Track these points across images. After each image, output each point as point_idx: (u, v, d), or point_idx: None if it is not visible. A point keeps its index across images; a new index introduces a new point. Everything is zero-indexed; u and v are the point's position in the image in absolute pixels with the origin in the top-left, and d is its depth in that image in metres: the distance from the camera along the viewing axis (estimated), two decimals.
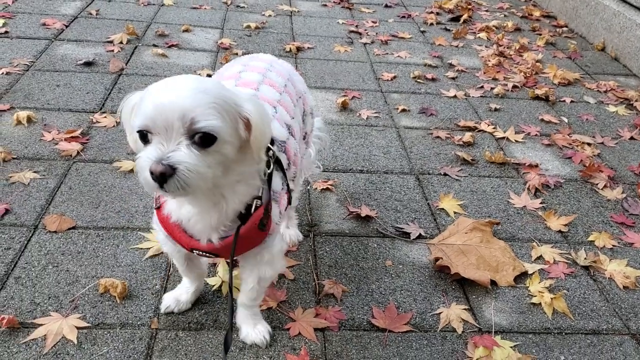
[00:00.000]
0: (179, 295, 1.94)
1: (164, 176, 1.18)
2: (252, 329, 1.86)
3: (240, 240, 1.47)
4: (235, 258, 1.54)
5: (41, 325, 1.82)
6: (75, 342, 1.78)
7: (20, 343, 1.76)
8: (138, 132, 1.24)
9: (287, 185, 1.67)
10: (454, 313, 2.05)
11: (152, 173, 1.18)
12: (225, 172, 1.31)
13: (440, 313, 2.04)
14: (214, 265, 2.14)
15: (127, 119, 1.34)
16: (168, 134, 1.20)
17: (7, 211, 2.29)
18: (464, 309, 2.06)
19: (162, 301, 1.94)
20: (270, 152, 1.47)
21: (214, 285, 2.06)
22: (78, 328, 1.83)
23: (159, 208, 1.52)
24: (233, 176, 1.37)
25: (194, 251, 1.54)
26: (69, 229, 2.24)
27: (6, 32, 3.94)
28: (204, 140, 1.21)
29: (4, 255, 2.08)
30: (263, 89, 1.74)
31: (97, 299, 1.95)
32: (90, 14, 4.46)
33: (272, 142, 1.50)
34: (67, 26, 4.17)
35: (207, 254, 1.55)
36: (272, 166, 1.49)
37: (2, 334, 1.78)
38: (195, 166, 1.20)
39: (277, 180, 1.58)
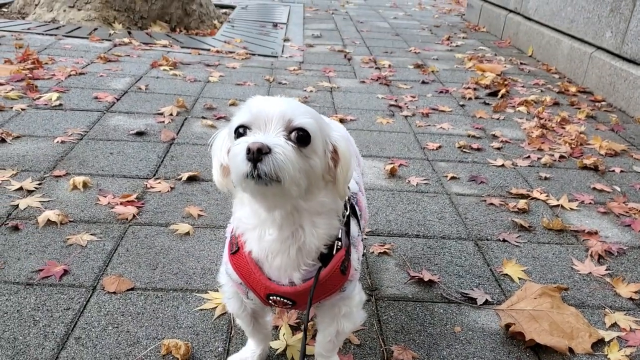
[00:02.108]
0: (245, 358, 1.85)
1: (260, 153, 1.17)
2: None
3: (321, 283, 1.43)
4: (310, 310, 1.48)
5: None
6: None
7: None
8: (235, 130, 1.28)
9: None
10: None
11: (248, 151, 1.18)
12: (308, 191, 1.30)
13: None
14: (277, 328, 2.06)
15: (216, 150, 1.39)
16: (267, 128, 1.24)
17: (65, 272, 2.27)
18: None
19: None
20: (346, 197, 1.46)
21: (277, 349, 1.98)
22: None
23: (235, 252, 1.48)
24: (313, 203, 1.35)
25: (271, 297, 1.47)
26: (128, 290, 2.20)
27: (60, 104, 4.09)
28: (299, 139, 1.25)
29: (64, 315, 2.04)
30: None
31: None
32: (140, 88, 4.62)
33: None
34: (118, 99, 4.32)
35: (284, 299, 1.47)
36: (348, 209, 1.49)
37: None
38: (290, 153, 1.21)
39: (353, 226, 1.56)
